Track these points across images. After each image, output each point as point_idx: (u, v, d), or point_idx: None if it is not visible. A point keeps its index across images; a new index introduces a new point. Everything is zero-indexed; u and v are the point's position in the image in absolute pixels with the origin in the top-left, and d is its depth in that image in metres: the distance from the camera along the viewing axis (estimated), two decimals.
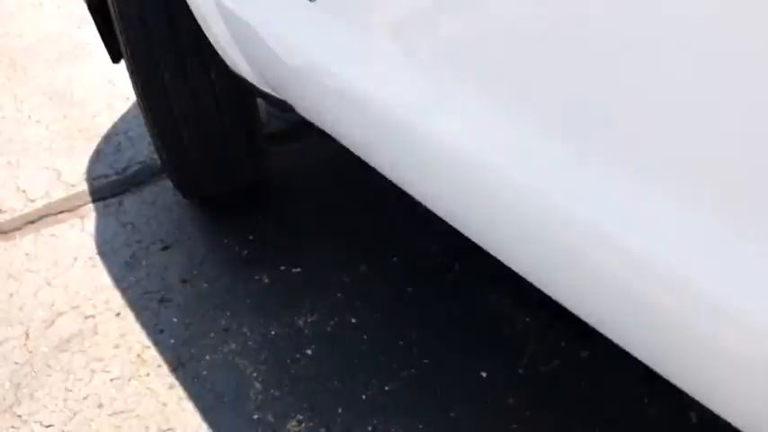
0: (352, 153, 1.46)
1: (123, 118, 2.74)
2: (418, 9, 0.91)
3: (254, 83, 1.59)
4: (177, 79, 1.79)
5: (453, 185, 0.97)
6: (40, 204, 2.34)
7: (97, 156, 2.55)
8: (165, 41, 1.75)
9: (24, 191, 2.42)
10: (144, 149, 2.55)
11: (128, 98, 2.84)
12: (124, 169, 2.47)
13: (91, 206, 2.31)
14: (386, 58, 1.00)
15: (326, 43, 1.12)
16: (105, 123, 2.72)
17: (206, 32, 1.60)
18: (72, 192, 2.38)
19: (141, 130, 2.65)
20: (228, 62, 1.62)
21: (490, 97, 0.84)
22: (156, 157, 2.49)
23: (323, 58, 1.15)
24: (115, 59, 2.52)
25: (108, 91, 2.91)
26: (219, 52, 1.62)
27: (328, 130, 1.42)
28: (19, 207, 2.34)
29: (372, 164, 1.31)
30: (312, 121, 1.49)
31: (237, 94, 1.86)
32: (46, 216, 2.29)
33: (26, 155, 2.59)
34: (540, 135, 0.81)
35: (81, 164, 2.51)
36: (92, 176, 2.45)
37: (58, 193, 2.38)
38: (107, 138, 2.64)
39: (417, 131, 0.98)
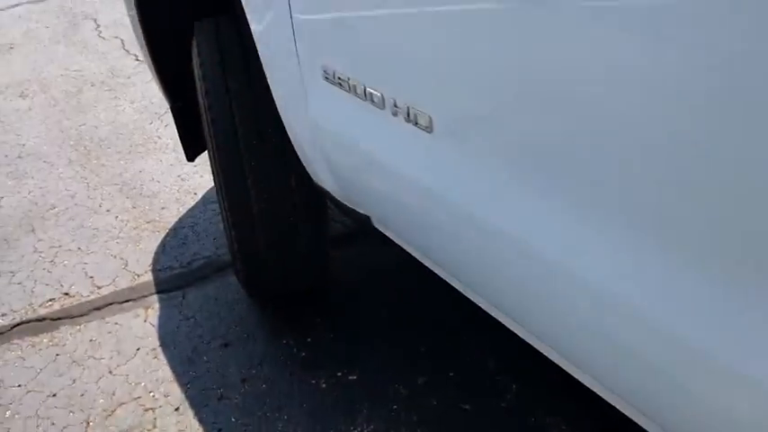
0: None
1: (190, 212, 2.84)
2: (552, 142, 0.96)
3: (336, 195, 1.67)
4: (259, 185, 1.88)
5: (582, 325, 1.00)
6: (106, 292, 2.42)
7: (163, 247, 2.64)
8: (252, 150, 1.85)
9: (92, 277, 2.51)
10: (209, 244, 2.63)
11: (195, 193, 2.96)
12: (189, 263, 2.55)
13: (155, 297, 2.37)
14: (519, 194, 1.05)
15: (446, 175, 1.18)
16: (173, 216, 2.82)
17: (295, 147, 1.69)
18: (138, 281, 2.46)
19: (207, 225, 2.75)
20: (312, 174, 1.71)
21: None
22: (220, 252, 2.57)
23: (438, 188, 1.20)
24: (190, 158, 2.65)
25: (177, 185, 3.04)
26: (305, 164, 1.71)
27: (419, 253, 1.48)
28: (86, 293, 2.41)
29: (467, 290, 1.36)
30: (396, 239, 1.55)
31: (313, 201, 1.94)
32: (111, 304, 2.36)
33: (95, 242, 2.69)
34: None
35: (147, 254, 2.60)
36: (157, 267, 2.52)
37: (124, 282, 2.46)
38: (174, 230, 2.73)
39: (558, 272, 1.02)
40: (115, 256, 2.61)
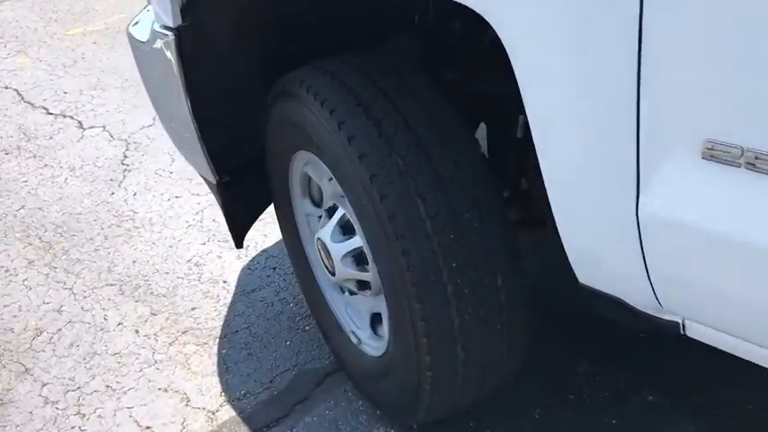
0: None
1: (234, 308, 2.24)
2: None
3: (633, 301, 1.22)
4: (461, 290, 1.39)
5: None
6: None
7: (225, 365, 2.03)
8: (449, 242, 1.37)
9: (149, 428, 1.86)
10: (283, 349, 2.06)
11: (225, 281, 2.35)
12: (271, 380, 1.97)
13: None
14: None
15: None
16: (212, 318, 2.20)
17: (569, 247, 1.22)
18: (217, 422, 1.85)
19: (265, 323, 2.17)
20: (588, 275, 1.25)
21: None
22: (305, 357, 2.01)
23: None
24: (240, 244, 2.07)
25: (194, 273, 2.40)
26: (576, 263, 1.24)
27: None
28: None
29: None
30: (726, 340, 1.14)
31: (519, 302, 1.48)
32: None
33: (125, 373, 2.03)
34: None
35: (209, 380, 1.98)
36: (234, 396, 1.92)
37: (198, 425, 1.84)
38: (225, 338, 2.12)
39: None
40: (166, 390, 1.97)
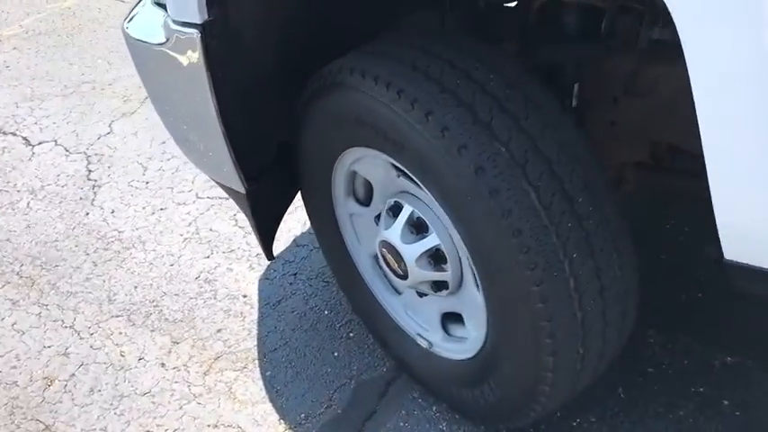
0: None
1: (262, 324, 2.05)
2: None
3: None
4: (585, 286, 1.28)
5: None
6: None
7: (274, 389, 1.85)
8: (569, 232, 1.25)
9: None
10: (334, 362, 1.90)
11: (244, 294, 2.16)
12: (330, 399, 1.81)
13: None
14: None
15: None
16: (242, 339, 2.01)
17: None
18: None
19: (305, 336, 2.00)
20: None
21: None
22: (369, 367, 1.86)
23: None
24: (271, 255, 1.89)
25: (206, 290, 2.19)
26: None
27: None
28: None
29: None
30: None
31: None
32: None
33: (164, 416, 1.82)
34: None
35: (261, 408, 1.81)
36: (293, 422, 1.76)
37: None
38: (266, 359, 1.94)
39: None
40: (216, 425, 1.78)
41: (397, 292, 1.78)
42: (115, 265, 2.35)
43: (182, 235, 2.44)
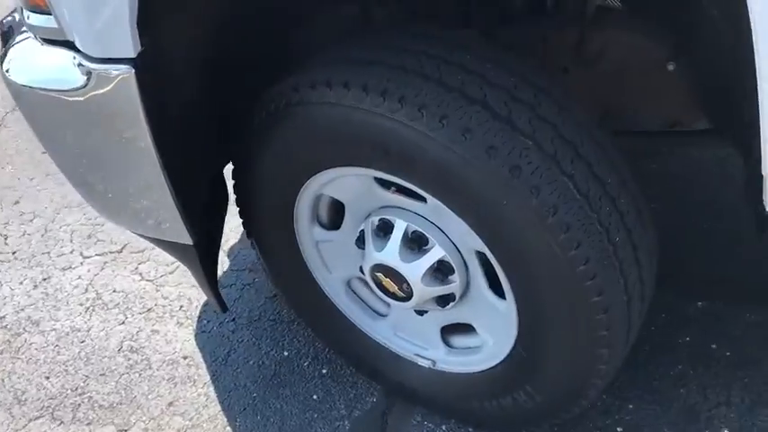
0: None
1: (218, 385, 1.80)
2: None
3: None
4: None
5: None
6: None
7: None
8: None
9: None
10: (317, 406, 1.72)
11: (185, 357, 1.88)
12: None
13: None
14: None
15: None
16: (203, 406, 1.76)
17: None
18: None
19: (272, 386, 1.79)
20: None
21: None
22: (358, 401, 1.70)
23: None
24: (225, 306, 1.67)
25: (140, 363, 1.88)
26: None
27: None
28: None
29: None
30: None
31: None
32: None
33: None
34: None
35: None
36: None
37: None
38: (238, 423, 1.71)
39: None
40: None
41: (380, 315, 1.64)
42: (10, 357, 1.96)
43: (81, 304, 2.09)
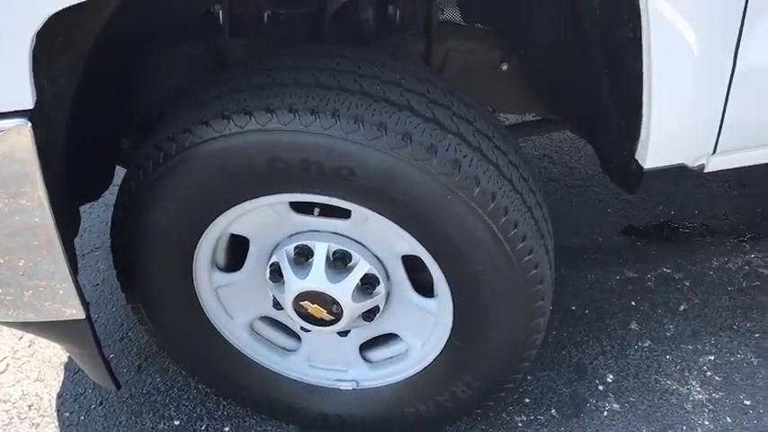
0: None
1: None
2: None
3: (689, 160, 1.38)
4: None
5: None
6: None
7: None
8: None
9: None
10: None
11: None
12: None
13: None
14: None
15: None
16: None
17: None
18: None
19: None
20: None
21: None
22: None
23: None
24: (119, 383, 1.51)
25: None
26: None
27: None
28: None
29: None
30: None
31: None
32: None
33: None
34: None
35: None
36: None
37: None
38: None
39: None
40: None
41: (289, 351, 1.58)
42: None
43: None
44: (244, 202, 1.29)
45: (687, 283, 1.98)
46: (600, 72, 1.37)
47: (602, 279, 2.03)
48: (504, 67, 1.71)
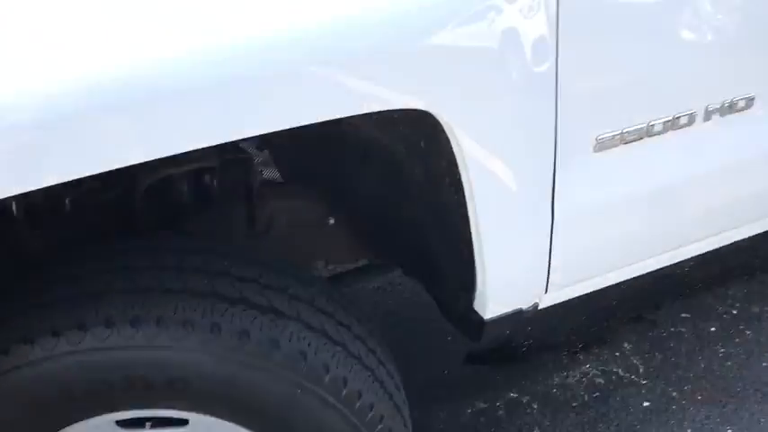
0: None
1: None
2: None
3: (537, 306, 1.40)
4: None
5: None
6: None
7: None
8: None
9: None
10: None
11: None
12: None
13: None
14: None
15: None
16: None
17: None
18: None
19: None
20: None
21: None
22: None
23: None
24: None
25: None
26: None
27: None
28: None
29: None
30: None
31: None
32: None
33: None
34: None
35: None
36: None
37: None
38: None
39: None
40: None
41: None
42: None
43: None
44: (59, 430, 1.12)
45: (535, 406, 2.00)
46: (429, 228, 1.37)
47: (454, 414, 1.99)
48: (332, 221, 1.67)
